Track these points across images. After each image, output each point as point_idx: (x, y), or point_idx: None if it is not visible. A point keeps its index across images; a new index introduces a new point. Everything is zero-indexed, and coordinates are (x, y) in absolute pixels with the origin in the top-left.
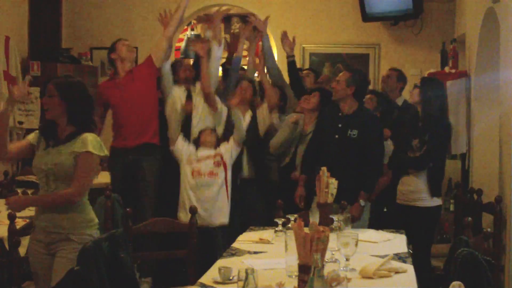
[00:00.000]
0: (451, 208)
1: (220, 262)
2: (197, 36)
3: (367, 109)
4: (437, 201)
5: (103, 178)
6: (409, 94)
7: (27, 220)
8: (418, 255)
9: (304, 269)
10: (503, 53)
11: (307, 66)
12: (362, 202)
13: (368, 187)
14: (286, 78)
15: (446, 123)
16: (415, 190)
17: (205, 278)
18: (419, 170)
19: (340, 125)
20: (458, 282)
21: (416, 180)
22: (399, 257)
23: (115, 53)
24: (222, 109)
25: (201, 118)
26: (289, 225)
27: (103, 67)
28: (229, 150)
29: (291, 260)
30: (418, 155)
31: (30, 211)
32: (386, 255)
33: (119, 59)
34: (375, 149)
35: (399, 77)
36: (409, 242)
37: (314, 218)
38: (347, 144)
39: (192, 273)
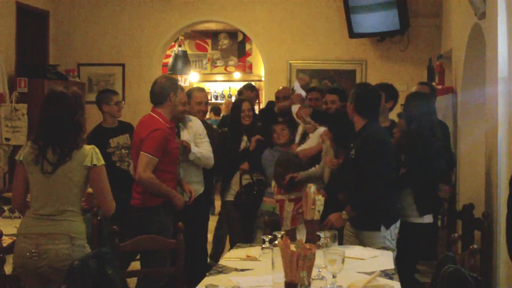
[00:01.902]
0: (439, 223)
1: (207, 280)
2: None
3: (375, 127)
4: (428, 218)
5: None
6: None
7: (14, 238)
8: (405, 271)
9: (291, 287)
10: (489, 69)
11: (294, 82)
12: (344, 215)
13: (355, 204)
14: None
15: (432, 141)
16: (404, 206)
17: None
18: (400, 189)
19: (352, 145)
20: None
21: (404, 196)
22: (385, 273)
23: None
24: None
25: None
26: (276, 242)
27: (90, 84)
28: None
29: (278, 278)
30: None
31: (16, 229)
32: (373, 272)
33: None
34: (366, 169)
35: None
36: (400, 257)
37: (301, 235)
38: (350, 165)
39: None
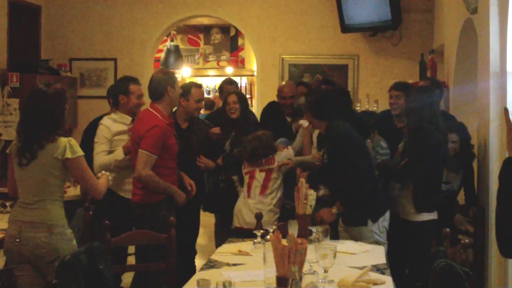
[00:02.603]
0: None
1: (199, 275)
2: None
3: (336, 125)
4: (427, 216)
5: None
6: None
7: (4, 233)
8: (396, 268)
9: (282, 281)
10: (480, 64)
11: (286, 77)
12: (334, 210)
13: (344, 200)
14: None
15: (434, 133)
16: (405, 203)
17: None
18: (398, 183)
19: (322, 150)
20: None
21: (404, 193)
22: (377, 268)
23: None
24: None
25: None
26: (268, 236)
27: (82, 78)
28: None
29: (270, 272)
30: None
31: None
32: (364, 267)
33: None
34: (346, 173)
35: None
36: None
37: (293, 230)
38: (326, 169)
39: (172, 286)
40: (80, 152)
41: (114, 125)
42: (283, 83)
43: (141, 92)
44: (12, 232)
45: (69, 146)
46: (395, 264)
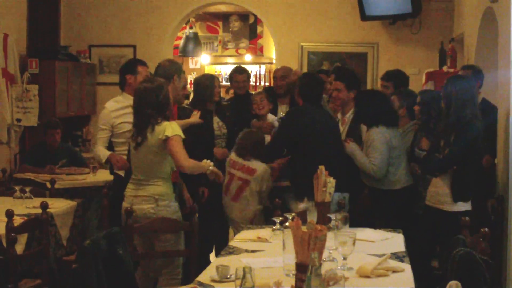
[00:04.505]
0: None
1: (218, 261)
2: None
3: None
4: (463, 206)
5: (101, 176)
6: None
7: (25, 218)
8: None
9: (302, 268)
10: (501, 53)
11: (305, 65)
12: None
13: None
14: None
15: (476, 127)
16: (441, 193)
17: (203, 277)
18: (439, 173)
19: None
20: (455, 282)
21: (441, 182)
22: (396, 256)
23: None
24: None
25: None
26: (287, 223)
27: (101, 65)
28: None
29: (289, 259)
30: (441, 157)
31: (28, 209)
32: (383, 254)
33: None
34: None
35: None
36: (436, 244)
37: (312, 216)
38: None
39: (193, 272)
40: (177, 132)
41: (114, 104)
42: (279, 66)
43: (148, 74)
44: (125, 205)
45: (169, 126)
46: (421, 254)
